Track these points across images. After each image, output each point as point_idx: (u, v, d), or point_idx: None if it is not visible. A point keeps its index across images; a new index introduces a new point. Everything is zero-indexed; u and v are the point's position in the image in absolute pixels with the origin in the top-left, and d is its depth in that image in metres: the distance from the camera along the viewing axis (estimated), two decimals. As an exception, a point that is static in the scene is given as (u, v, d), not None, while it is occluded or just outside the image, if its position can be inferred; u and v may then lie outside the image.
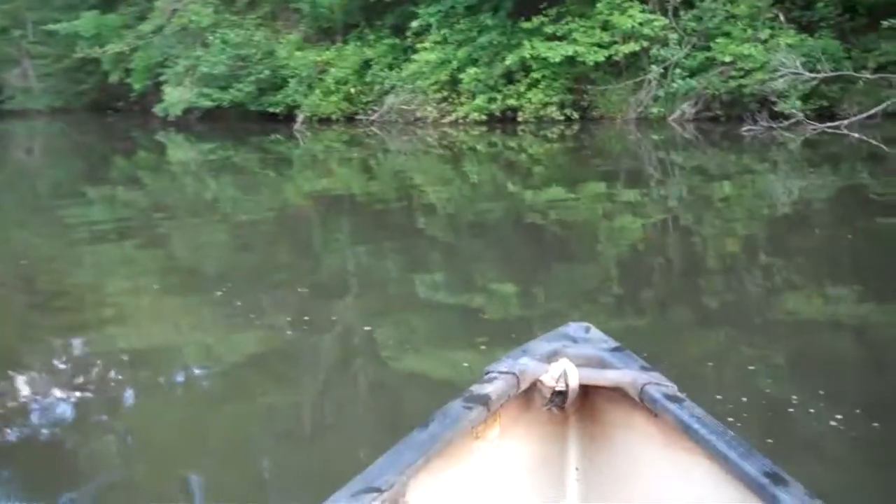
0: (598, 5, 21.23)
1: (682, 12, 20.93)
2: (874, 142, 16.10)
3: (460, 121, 22.68)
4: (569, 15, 21.59)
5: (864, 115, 17.17)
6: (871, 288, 7.45)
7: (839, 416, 4.54)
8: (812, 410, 4.66)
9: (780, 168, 15.22)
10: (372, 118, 24.59)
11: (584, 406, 2.88)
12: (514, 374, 2.75)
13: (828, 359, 5.84)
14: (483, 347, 5.91)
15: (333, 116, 25.53)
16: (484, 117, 22.41)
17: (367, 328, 6.71)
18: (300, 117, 25.90)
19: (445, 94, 23.22)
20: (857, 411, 4.63)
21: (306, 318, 6.89)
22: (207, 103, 26.99)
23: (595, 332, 3.03)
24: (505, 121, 22.13)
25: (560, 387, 2.78)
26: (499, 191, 14.11)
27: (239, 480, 4.38)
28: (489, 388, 2.67)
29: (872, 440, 4.37)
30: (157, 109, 28.23)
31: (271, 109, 26.51)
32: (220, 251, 10.29)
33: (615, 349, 2.92)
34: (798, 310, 6.96)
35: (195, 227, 11.73)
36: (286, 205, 13.76)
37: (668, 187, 13.65)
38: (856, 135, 16.56)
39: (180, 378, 6.12)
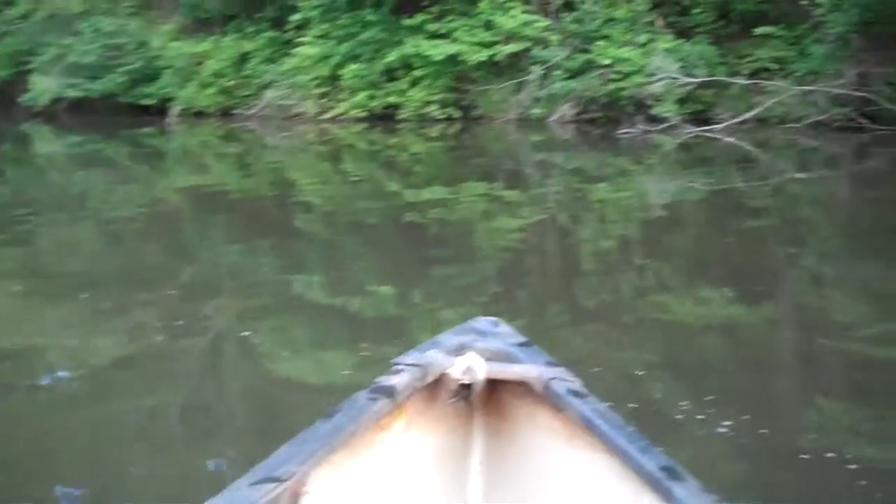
0: (481, 4, 21.26)
1: (563, 14, 21.12)
2: (746, 146, 16.56)
3: (340, 117, 22.44)
4: (451, 13, 21.57)
5: (738, 119, 17.63)
6: (742, 289, 7.60)
7: (728, 423, 4.53)
8: (700, 417, 4.64)
9: (656, 171, 15.50)
10: (249, 113, 24.13)
11: (490, 400, 2.88)
12: (420, 366, 2.73)
13: (711, 362, 5.89)
14: (364, 353, 5.77)
15: (209, 110, 24.95)
16: (365, 114, 22.22)
17: (241, 332, 6.48)
18: (174, 110, 25.23)
19: (326, 89, 22.94)
20: (745, 417, 4.63)
21: (177, 321, 6.63)
22: (77, 94, 26.06)
23: (504, 327, 3.02)
24: (386, 118, 21.99)
25: (466, 380, 2.77)
26: (378, 189, 13.97)
27: (101, 487, 4.17)
28: (395, 380, 2.66)
29: (761, 447, 4.37)
30: (24, 99, 27.09)
31: (144, 102, 25.74)
32: (88, 250, 9.88)
33: (523, 344, 2.92)
34: (677, 312, 7.01)
35: (61, 225, 11.23)
36: (158, 201, 13.33)
37: (547, 188, 13.72)
38: (729, 139, 17.00)
39: (43, 382, 5.79)
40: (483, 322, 3.04)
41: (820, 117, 17.10)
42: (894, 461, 4.29)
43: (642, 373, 5.40)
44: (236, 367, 5.99)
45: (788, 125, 17.34)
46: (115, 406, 5.20)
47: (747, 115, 17.68)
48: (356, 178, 15.40)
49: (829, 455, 4.23)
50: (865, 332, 6.41)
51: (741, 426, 4.52)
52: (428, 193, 12.84)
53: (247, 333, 6.42)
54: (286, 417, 4.84)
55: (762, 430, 4.51)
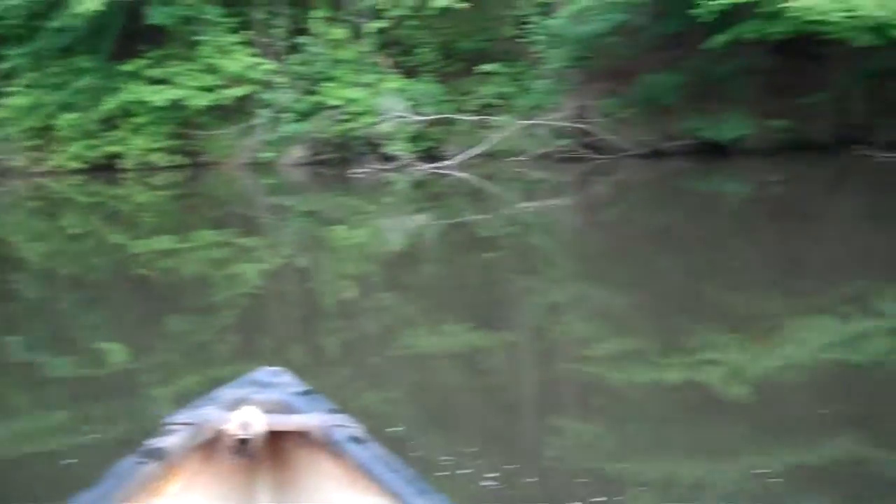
0: (202, 48, 20.70)
1: (289, 56, 20.96)
2: (477, 180, 16.94)
3: (57, 170, 21.11)
4: (172, 58, 20.86)
5: (467, 155, 18.02)
6: (484, 322, 7.65)
7: (494, 474, 4.34)
8: (466, 471, 4.41)
9: (392, 209, 15.59)
10: (-49, 171, 22.29)
11: (273, 453, 2.84)
12: (194, 424, 2.69)
13: (466, 404, 5.79)
14: (91, 436, 5.19)
15: None
16: (83, 165, 21.02)
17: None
18: None
19: (38, 141, 21.52)
20: (510, 466, 4.46)
21: None
22: None
23: (286, 377, 2.96)
24: (107, 169, 20.89)
25: (244, 435, 2.71)
26: (102, 244, 13.15)
27: None
28: (166, 441, 2.61)
29: (532, 498, 4.22)
30: None
31: None
32: None
33: (304, 393, 2.89)
34: (425, 351, 7.00)
35: None
36: None
37: (283, 232, 13.49)
38: (460, 174, 17.33)
39: None
40: (263, 373, 2.97)
41: (545, 149, 17.76)
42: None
43: (401, 428, 5.10)
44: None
45: (516, 158, 17.89)
46: None
47: (476, 151, 18.10)
48: (76, 233, 14.45)
49: (596, 500, 4.15)
50: (601, 353, 6.60)
51: (508, 476, 4.34)
52: (157, 245, 12.20)
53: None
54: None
55: (529, 479, 4.37)
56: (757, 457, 4.70)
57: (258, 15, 21.36)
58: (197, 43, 20.74)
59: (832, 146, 15.81)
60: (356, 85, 19.85)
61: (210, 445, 2.74)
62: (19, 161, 21.23)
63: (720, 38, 15.22)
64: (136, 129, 20.69)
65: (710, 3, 14.57)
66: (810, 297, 8.08)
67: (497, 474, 4.35)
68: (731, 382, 5.93)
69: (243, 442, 2.72)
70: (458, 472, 4.39)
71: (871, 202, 13.33)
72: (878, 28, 14.04)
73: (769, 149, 16.17)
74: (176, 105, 20.14)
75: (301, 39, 20.83)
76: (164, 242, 12.35)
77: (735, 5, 14.59)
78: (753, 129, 16.38)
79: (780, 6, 14.32)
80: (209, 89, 20.29)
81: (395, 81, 19.81)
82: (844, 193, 14.21)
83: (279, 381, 2.93)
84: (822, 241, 10.64)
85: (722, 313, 7.70)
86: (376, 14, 20.17)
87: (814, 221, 11.85)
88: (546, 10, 18.77)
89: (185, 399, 2.95)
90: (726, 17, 14.92)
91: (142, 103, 20.21)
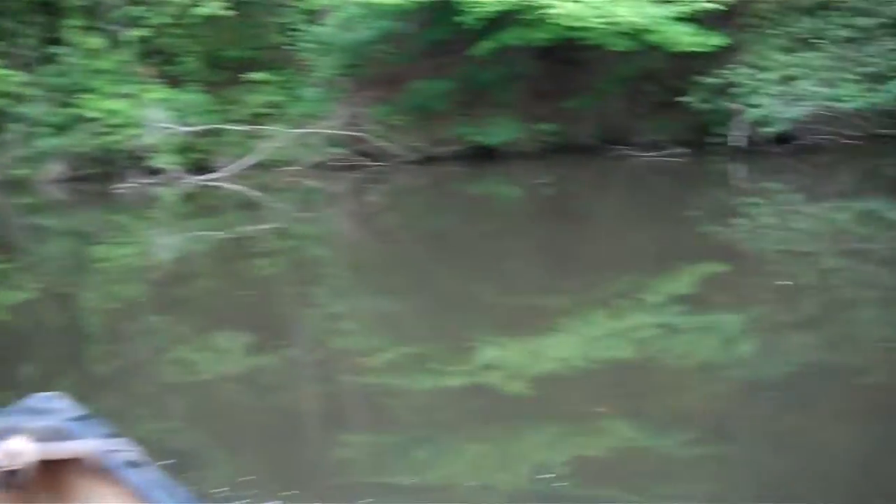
0: (-58, 60, 19.31)
1: (41, 67, 19.83)
2: (250, 191, 16.57)
3: None
4: None
5: (238, 166, 17.59)
6: (262, 336, 7.49)
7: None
8: (240, 503, 4.15)
9: (160, 224, 15.06)
10: None
11: (47, 483, 2.75)
12: None
13: (242, 423, 5.56)
14: None
15: None
16: None
17: None
18: None
19: None
20: (288, 492, 4.27)
21: None
22: None
23: (61, 402, 2.87)
24: None
25: (12, 466, 2.61)
26: None
27: None
28: None
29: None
30: None
31: None
32: None
33: (81, 418, 2.81)
34: (200, 371, 6.82)
35: None
36: None
37: (41, 254, 12.71)
38: (232, 186, 16.89)
39: None
40: (37, 399, 2.86)
41: (319, 158, 17.59)
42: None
43: (173, 459, 4.79)
44: None
45: (290, 168, 17.63)
46: None
47: (247, 161, 17.70)
48: None
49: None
50: (382, 363, 6.59)
51: None
52: None
53: None
54: None
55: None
56: (540, 455, 4.73)
57: (6, 24, 20.12)
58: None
59: (596, 148, 16.47)
60: (116, 96, 19.00)
61: None
62: None
63: (485, 45, 15.54)
64: None
65: (475, 10, 14.85)
66: (583, 294, 8.33)
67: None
68: (510, 382, 5.99)
69: (12, 474, 2.61)
70: (233, 504, 4.19)
71: (632, 200, 13.99)
72: (635, 34, 14.73)
73: (537, 152, 16.66)
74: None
75: (54, 49, 19.77)
76: None
77: (499, 13, 14.93)
78: (521, 133, 16.82)
79: (540, 13, 14.77)
80: (-47, 104, 18.94)
81: (158, 92, 19.07)
82: (608, 192, 14.82)
83: (54, 406, 2.83)
84: (591, 238, 11.03)
85: (499, 314, 7.81)
86: (135, 22, 19.41)
87: (582, 220, 12.28)
88: (313, 18, 18.62)
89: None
90: (493, 24, 15.25)
91: None
